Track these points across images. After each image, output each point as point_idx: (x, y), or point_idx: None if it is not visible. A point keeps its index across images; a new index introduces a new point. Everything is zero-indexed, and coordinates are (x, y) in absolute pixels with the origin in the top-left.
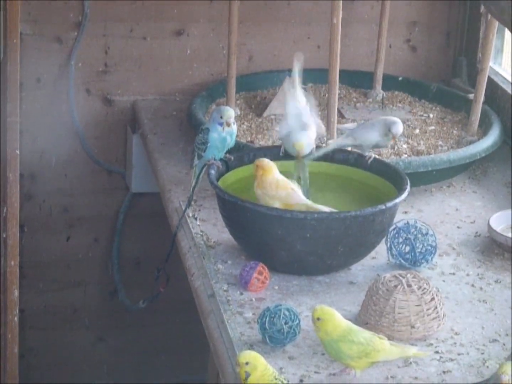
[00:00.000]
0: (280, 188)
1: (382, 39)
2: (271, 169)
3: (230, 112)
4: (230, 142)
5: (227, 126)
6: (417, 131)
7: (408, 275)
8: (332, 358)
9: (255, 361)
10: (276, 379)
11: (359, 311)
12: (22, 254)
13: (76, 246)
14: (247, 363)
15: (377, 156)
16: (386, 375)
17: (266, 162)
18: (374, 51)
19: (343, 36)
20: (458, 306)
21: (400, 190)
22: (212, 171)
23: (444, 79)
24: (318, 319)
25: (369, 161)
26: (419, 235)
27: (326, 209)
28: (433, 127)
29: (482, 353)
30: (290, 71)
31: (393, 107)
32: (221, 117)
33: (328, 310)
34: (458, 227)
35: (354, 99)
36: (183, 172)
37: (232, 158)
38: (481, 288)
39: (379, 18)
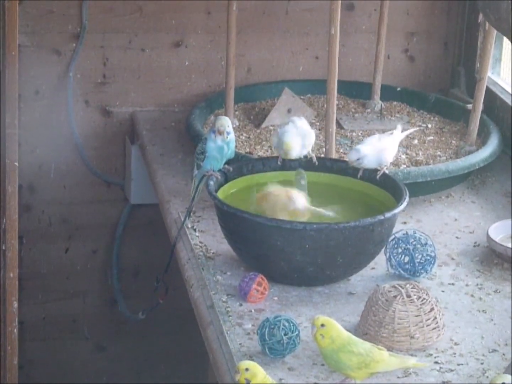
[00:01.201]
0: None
1: (380, 49)
2: None
3: (222, 121)
4: (228, 152)
5: (219, 134)
6: (416, 141)
7: (408, 285)
8: (331, 369)
9: (255, 369)
10: None
11: (359, 322)
12: (21, 265)
13: (75, 257)
14: (247, 369)
15: (378, 168)
16: None
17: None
18: (372, 61)
19: (341, 46)
20: (458, 316)
21: (399, 201)
22: (211, 182)
23: (442, 89)
24: (323, 325)
25: (378, 176)
26: (418, 246)
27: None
28: (431, 137)
29: (482, 363)
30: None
31: (391, 118)
32: (215, 126)
33: (329, 319)
34: (457, 237)
35: (353, 110)
36: (182, 183)
37: (231, 169)
38: (480, 298)
39: (377, 28)
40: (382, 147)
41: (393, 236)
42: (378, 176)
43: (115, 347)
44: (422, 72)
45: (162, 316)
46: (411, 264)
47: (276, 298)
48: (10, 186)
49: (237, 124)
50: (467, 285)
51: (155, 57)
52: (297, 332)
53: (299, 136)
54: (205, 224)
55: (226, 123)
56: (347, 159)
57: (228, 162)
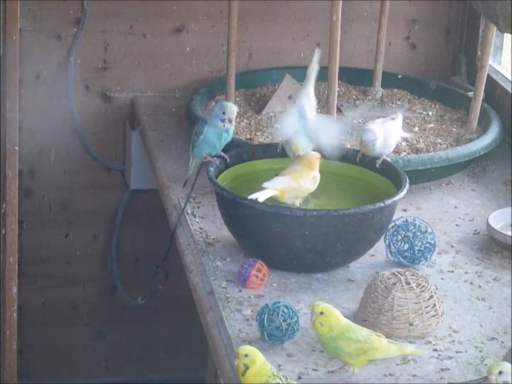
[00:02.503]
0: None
1: (382, 36)
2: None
3: (234, 109)
4: (228, 138)
5: (229, 123)
6: (416, 128)
7: (407, 272)
8: (330, 356)
9: (254, 355)
10: (274, 375)
11: (358, 309)
12: (21, 250)
13: (75, 243)
14: (246, 355)
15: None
16: (384, 373)
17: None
18: (373, 49)
19: (343, 33)
20: (457, 304)
21: (399, 188)
22: (211, 168)
23: (443, 76)
24: (322, 313)
25: (378, 164)
26: (418, 233)
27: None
28: (432, 125)
29: (481, 351)
30: (290, 67)
31: (392, 105)
32: (224, 113)
33: (328, 306)
34: (457, 225)
35: (354, 97)
36: (182, 169)
37: (228, 159)
38: (479, 286)
39: (379, 15)
40: (388, 132)
41: (393, 223)
42: (377, 164)
43: (114, 334)
44: (423, 60)
45: (162, 302)
46: (411, 252)
47: (275, 285)
48: (10, 171)
49: (238, 110)
50: (466, 272)
51: (156, 42)
52: (296, 319)
53: (308, 136)
54: (205, 210)
55: (236, 111)
56: (362, 140)
57: (228, 148)
